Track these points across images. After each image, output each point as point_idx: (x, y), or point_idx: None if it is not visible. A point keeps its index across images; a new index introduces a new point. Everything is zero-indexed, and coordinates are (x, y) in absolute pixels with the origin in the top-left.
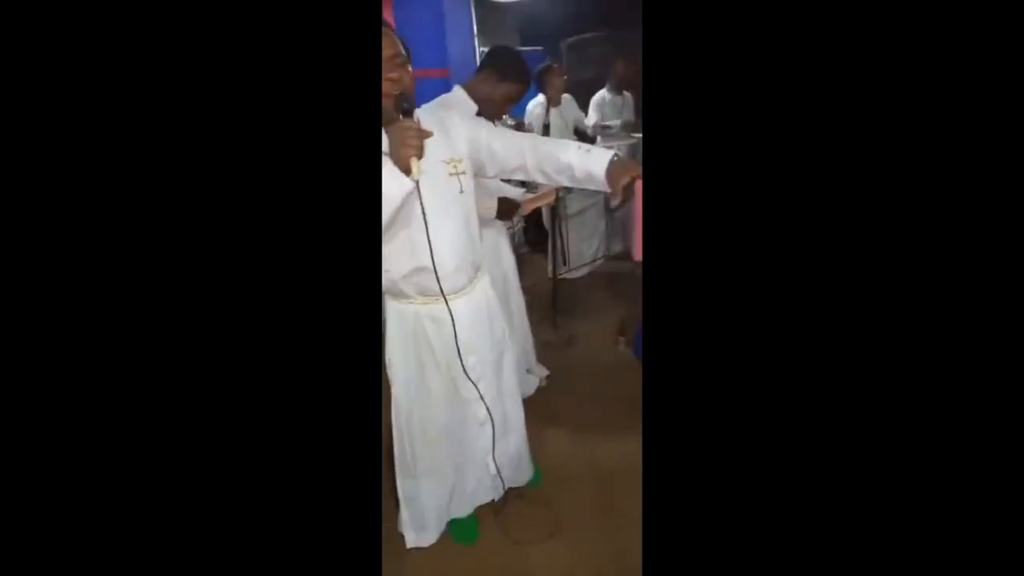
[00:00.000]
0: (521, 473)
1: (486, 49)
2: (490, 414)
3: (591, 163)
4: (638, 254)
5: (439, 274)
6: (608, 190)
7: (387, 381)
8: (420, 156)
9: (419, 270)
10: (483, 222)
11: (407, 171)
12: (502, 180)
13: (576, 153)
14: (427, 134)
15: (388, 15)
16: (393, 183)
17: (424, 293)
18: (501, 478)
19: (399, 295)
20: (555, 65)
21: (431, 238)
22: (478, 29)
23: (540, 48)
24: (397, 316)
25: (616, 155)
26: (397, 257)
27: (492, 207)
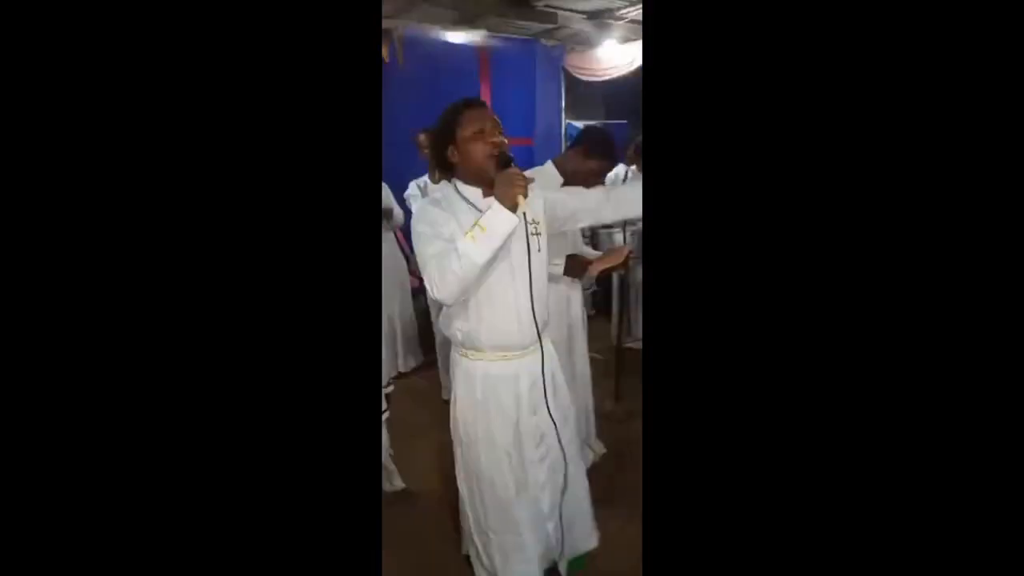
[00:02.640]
0: (584, 538)
1: (571, 122)
2: (566, 461)
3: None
4: None
5: (520, 326)
6: None
7: (451, 440)
8: (525, 195)
9: (504, 318)
10: (553, 279)
11: (514, 208)
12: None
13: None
14: (530, 180)
15: (485, 86)
16: (500, 218)
17: (499, 347)
18: (562, 541)
19: (473, 349)
20: None
21: (530, 286)
22: (566, 103)
23: (625, 121)
24: (465, 375)
25: None
26: (484, 304)
27: (560, 264)
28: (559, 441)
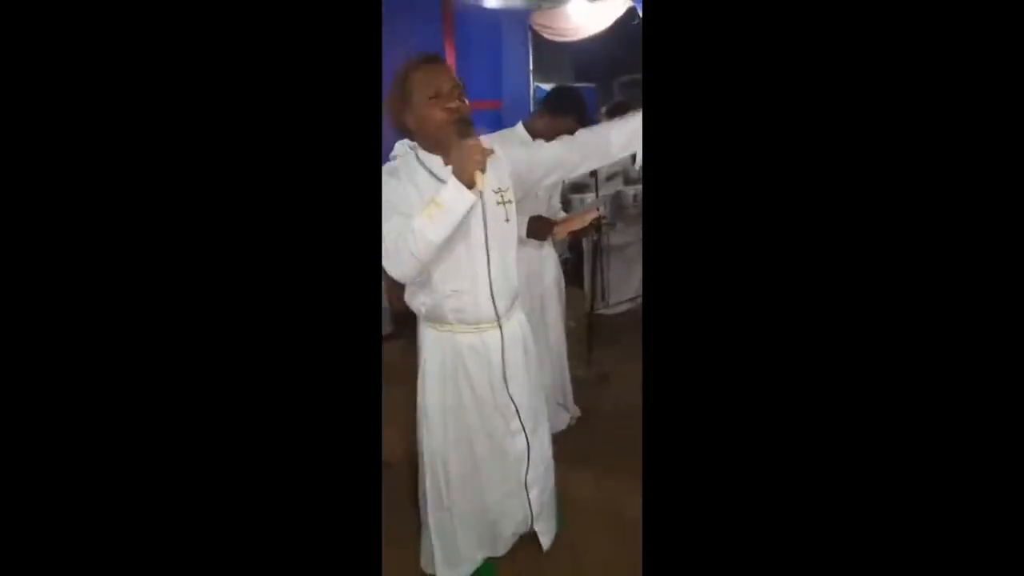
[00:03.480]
0: (552, 508)
1: (540, 84)
2: (527, 441)
3: (628, 122)
4: None
5: (484, 301)
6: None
7: (417, 412)
8: (483, 170)
9: (466, 293)
10: (521, 242)
11: (471, 184)
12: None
13: (615, 124)
14: (489, 151)
15: (450, 47)
16: (457, 196)
17: (464, 320)
18: (531, 509)
19: (438, 321)
20: (630, 103)
21: (488, 262)
22: (534, 66)
23: (592, 85)
24: (433, 345)
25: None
26: (448, 278)
27: (522, 224)
28: (518, 417)
